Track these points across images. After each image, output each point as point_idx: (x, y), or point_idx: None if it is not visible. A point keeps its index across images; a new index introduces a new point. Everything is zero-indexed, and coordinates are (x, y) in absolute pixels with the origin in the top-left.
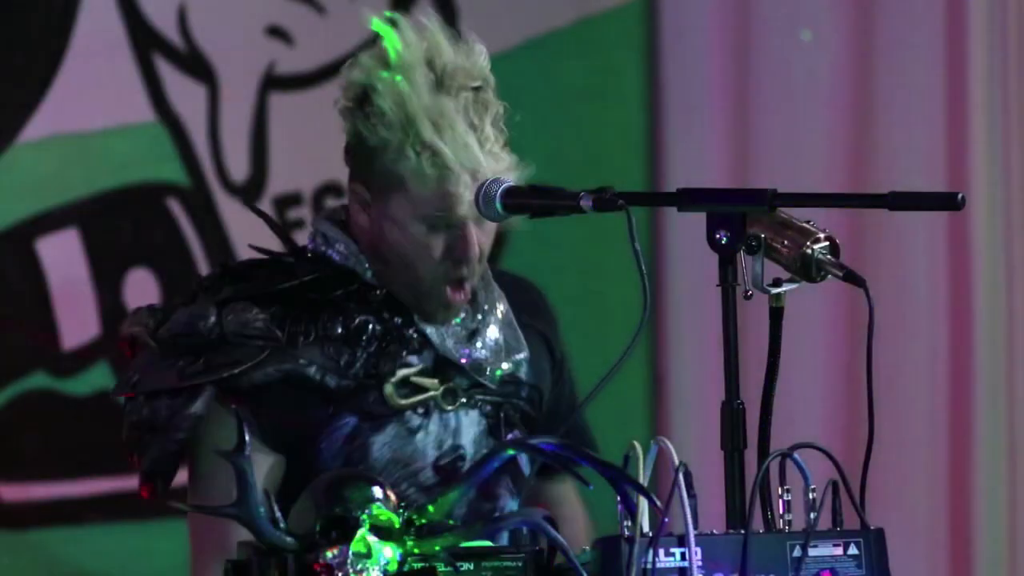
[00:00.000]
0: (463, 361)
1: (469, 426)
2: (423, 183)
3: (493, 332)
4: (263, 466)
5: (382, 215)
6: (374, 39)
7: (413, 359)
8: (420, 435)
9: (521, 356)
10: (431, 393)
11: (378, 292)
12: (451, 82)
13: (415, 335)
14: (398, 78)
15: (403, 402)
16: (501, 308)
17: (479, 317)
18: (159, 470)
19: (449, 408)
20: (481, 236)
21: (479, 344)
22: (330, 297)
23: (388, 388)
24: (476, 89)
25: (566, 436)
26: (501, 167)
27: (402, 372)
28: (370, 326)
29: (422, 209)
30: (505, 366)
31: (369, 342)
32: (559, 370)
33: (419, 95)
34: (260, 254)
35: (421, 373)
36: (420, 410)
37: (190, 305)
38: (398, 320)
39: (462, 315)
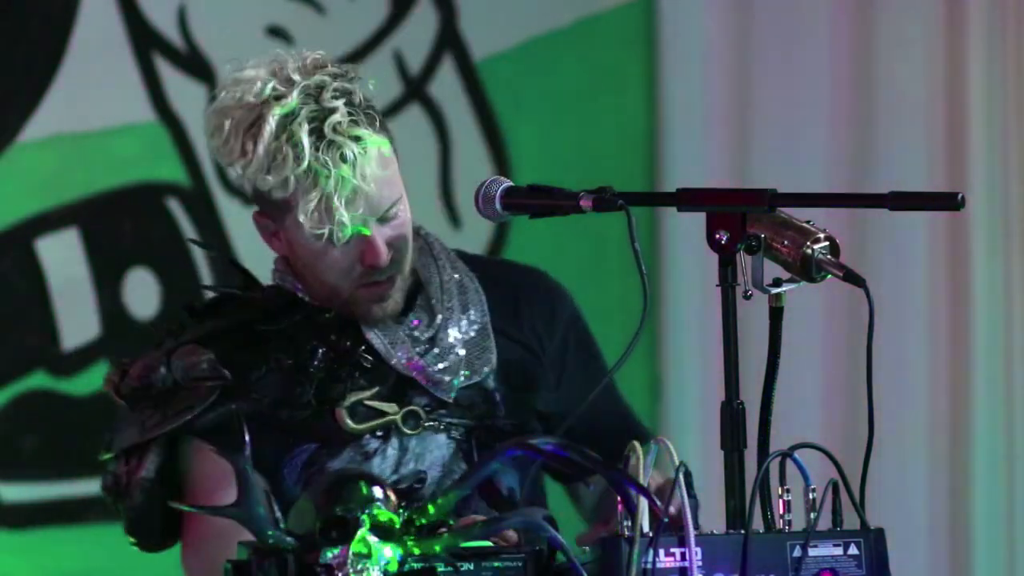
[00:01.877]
0: (413, 373)
1: (434, 449)
2: (306, 204)
3: (452, 341)
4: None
5: (288, 238)
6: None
7: (366, 382)
8: (377, 459)
9: (487, 369)
10: (389, 417)
11: (327, 315)
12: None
13: (367, 355)
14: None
15: (357, 426)
16: (471, 314)
17: (437, 322)
18: (135, 533)
19: (411, 432)
20: (390, 232)
21: (434, 353)
22: (280, 327)
23: (341, 413)
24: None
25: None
26: (377, 174)
27: (353, 396)
28: (320, 351)
29: (313, 232)
30: (462, 376)
31: (319, 368)
32: (561, 367)
33: (271, 134)
34: (214, 292)
35: (377, 396)
36: (379, 433)
37: (146, 356)
38: (348, 343)
39: (415, 322)
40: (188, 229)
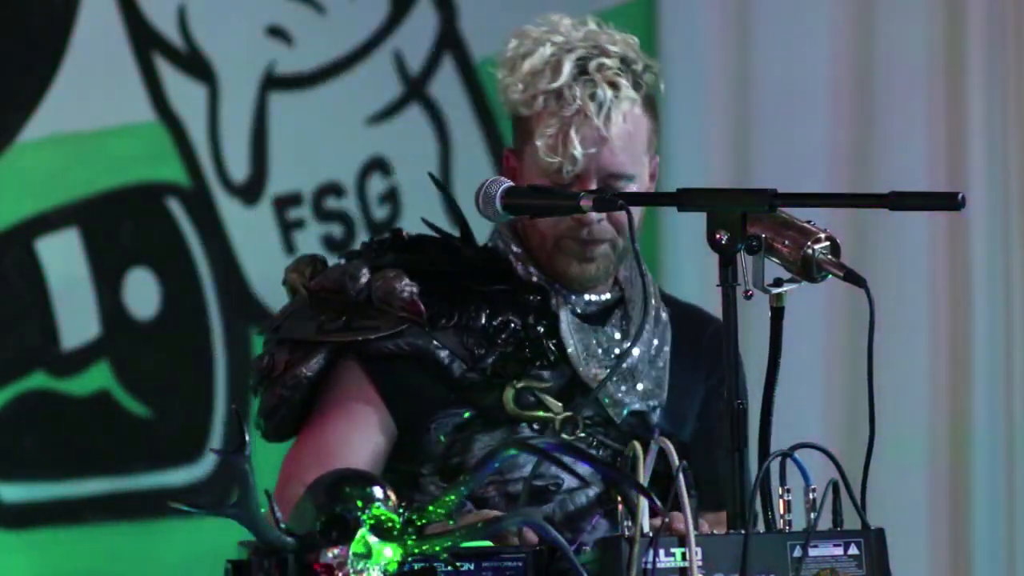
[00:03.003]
0: (596, 388)
1: (579, 463)
2: (545, 128)
3: (639, 363)
4: (376, 431)
5: (525, 177)
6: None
7: (545, 374)
8: None
9: (654, 403)
10: (550, 414)
11: (532, 298)
12: (577, 51)
13: (555, 349)
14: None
15: (518, 411)
16: (658, 344)
17: (630, 338)
18: (267, 416)
19: (565, 436)
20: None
21: (620, 373)
22: (483, 290)
23: (508, 392)
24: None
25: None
26: (621, 129)
27: (526, 381)
28: (512, 326)
29: (544, 159)
30: (636, 405)
31: (507, 342)
32: (705, 409)
33: (545, 50)
34: (430, 230)
35: (548, 391)
36: (536, 426)
37: (348, 263)
38: (541, 329)
39: (609, 331)
40: (188, 229)
